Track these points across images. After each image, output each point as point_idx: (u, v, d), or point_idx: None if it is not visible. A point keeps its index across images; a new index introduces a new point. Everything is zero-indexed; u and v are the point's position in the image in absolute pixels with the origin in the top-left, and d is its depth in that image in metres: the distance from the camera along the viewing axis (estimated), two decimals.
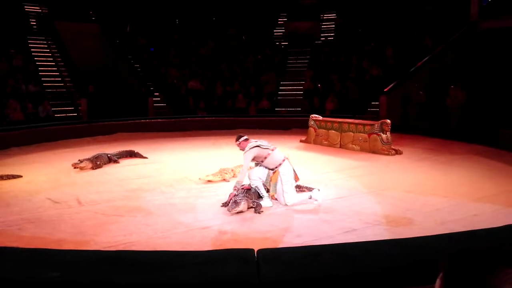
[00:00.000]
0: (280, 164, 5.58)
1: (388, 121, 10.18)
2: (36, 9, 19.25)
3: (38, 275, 2.75)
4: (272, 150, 5.66)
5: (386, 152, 9.83)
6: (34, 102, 14.16)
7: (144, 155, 9.71)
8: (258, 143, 5.69)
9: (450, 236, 3.49)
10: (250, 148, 5.64)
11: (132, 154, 9.69)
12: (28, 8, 19.09)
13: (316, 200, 5.65)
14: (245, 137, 5.96)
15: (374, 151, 10.02)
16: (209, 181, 7.19)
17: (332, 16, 22.13)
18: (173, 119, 15.43)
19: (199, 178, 7.27)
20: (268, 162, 5.64)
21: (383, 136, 9.98)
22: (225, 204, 5.62)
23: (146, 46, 19.20)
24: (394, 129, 10.45)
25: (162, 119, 15.49)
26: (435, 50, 15.26)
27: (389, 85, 14.61)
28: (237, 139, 5.96)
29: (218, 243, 4.54)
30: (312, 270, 2.85)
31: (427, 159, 9.26)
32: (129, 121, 14.33)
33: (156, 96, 17.26)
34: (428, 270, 2.62)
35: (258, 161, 5.78)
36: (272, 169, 5.67)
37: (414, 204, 5.93)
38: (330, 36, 21.12)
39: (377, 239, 4.21)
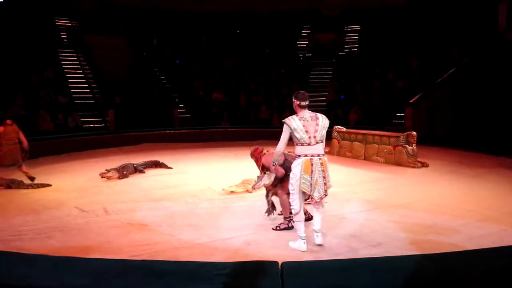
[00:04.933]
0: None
1: (414, 133, 10.03)
2: (67, 23, 19.93)
3: (67, 282, 2.82)
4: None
5: (412, 165, 9.66)
6: (63, 113, 14.58)
7: (168, 166, 9.84)
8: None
9: (480, 252, 3.40)
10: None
11: (157, 165, 9.84)
12: (59, 22, 19.78)
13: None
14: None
15: (399, 164, 9.86)
16: (232, 192, 7.24)
17: (356, 27, 22.07)
18: (197, 130, 15.63)
19: (223, 189, 7.33)
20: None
21: (409, 148, 9.83)
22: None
23: (172, 58, 19.57)
24: (420, 141, 10.27)
25: (187, 130, 15.72)
26: (462, 61, 15.00)
27: (414, 97, 14.42)
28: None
29: (242, 254, 4.54)
30: (337, 284, 2.82)
31: (454, 172, 9.05)
32: (155, 132, 14.62)
33: (181, 107, 17.52)
34: (458, 287, 2.56)
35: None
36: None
37: (441, 218, 5.79)
38: (354, 47, 21.04)
39: (403, 254, 4.13)
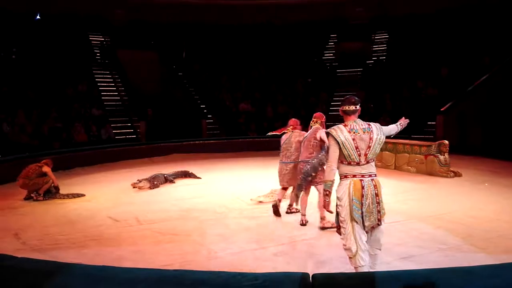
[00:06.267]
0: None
1: (446, 141, 9.81)
2: (100, 38, 20.62)
3: None
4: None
5: (444, 174, 9.44)
6: (97, 125, 15.03)
7: (198, 176, 9.98)
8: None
9: None
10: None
11: (186, 175, 10.00)
12: (93, 38, 20.50)
13: None
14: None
15: (431, 173, 9.66)
16: (260, 202, 7.28)
17: (384, 35, 21.83)
18: (225, 140, 15.79)
19: (251, 199, 7.38)
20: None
21: (441, 157, 9.61)
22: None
23: (200, 71, 19.91)
24: (452, 150, 10.02)
25: (215, 140, 15.90)
26: (494, 68, 14.59)
27: (445, 105, 14.11)
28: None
29: (272, 265, 4.54)
30: None
31: (489, 182, 8.78)
32: (184, 143, 14.86)
33: (209, 118, 17.74)
34: None
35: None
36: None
37: (475, 230, 5.63)
38: (382, 56, 20.80)
39: (437, 267, 4.03)
